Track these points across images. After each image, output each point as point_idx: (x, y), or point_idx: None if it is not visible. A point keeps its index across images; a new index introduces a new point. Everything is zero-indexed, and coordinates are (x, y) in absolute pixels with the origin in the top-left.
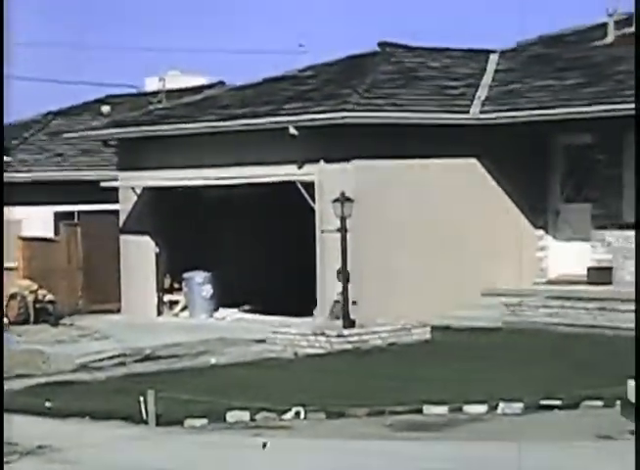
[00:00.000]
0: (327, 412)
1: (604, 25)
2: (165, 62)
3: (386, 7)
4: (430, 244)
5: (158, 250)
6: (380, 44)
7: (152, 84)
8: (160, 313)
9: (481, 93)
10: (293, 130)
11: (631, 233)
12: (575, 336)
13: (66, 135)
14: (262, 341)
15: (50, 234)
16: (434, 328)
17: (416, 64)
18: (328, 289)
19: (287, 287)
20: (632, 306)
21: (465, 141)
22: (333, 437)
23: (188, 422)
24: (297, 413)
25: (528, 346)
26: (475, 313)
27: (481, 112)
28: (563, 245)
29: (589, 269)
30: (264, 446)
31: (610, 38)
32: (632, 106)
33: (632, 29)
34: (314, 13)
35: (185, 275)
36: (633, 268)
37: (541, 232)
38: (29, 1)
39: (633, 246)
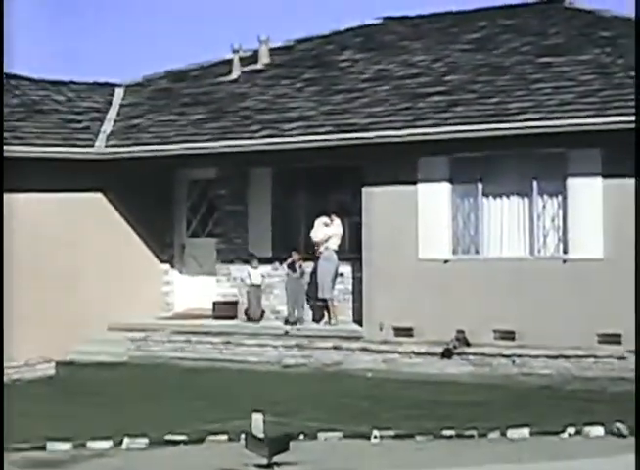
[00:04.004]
0: None
1: (229, 62)
2: None
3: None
4: (54, 278)
5: None
6: None
7: None
8: None
9: (106, 127)
10: None
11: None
12: (202, 370)
13: None
14: None
15: None
16: (58, 364)
17: (40, 96)
18: None
19: None
20: (257, 340)
21: (90, 175)
22: None
23: None
24: None
25: (154, 380)
26: (100, 348)
27: (106, 146)
28: (189, 279)
29: (215, 304)
30: None
31: (235, 74)
32: (256, 142)
33: (257, 66)
34: None
35: None
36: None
37: (167, 266)
38: None
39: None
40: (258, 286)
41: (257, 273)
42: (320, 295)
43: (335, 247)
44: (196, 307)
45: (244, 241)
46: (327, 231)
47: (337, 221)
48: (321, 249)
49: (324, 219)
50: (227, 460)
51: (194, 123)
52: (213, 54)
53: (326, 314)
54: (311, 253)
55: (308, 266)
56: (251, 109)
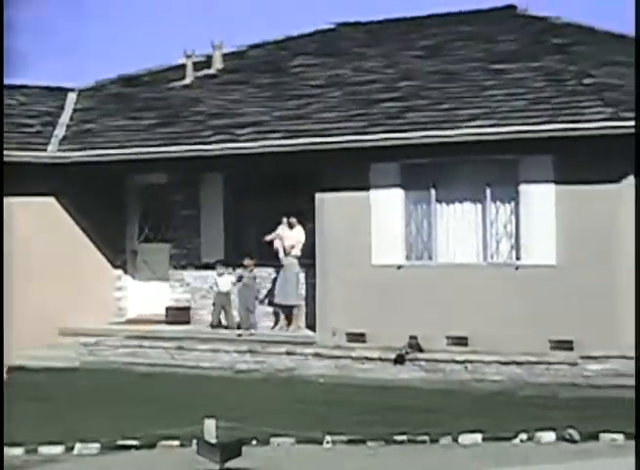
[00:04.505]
0: None
1: (182, 67)
2: None
3: None
4: (4, 282)
5: None
6: None
7: None
8: None
9: (59, 132)
10: None
11: (208, 273)
12: (154, 375)
13: None
14: None
15: None
16: (9, 369)
17: None
18: None
19: None
20: (210, 346)
21: (42, 180)
22: None
23: None
24: None
25: (106, 386)
26: (51, 353)
27: (59, 150)
28: (142, 285)
29: (167, 309)
30: None
31: (188, 80)
32: (209, 147)
33: (210, 71)
34: None
35: None
36: (211, 308)
37: (120, 272)
38: None
39: (209, 286)
40: (226, 293)
41: (224, 280)
42: (282, 301)
43: (298, 253)
44: (148, 313)
45: (196, 246)
46: (292, 241)
47: (298, 227)
48: (281, 255)
49: (280, 229)
50: (179, 466)
51: (147, 128)
52: (166, 59)
53: (283, 320)
54: (276, 259)
55: (266, 272)
56: (204, 114)
